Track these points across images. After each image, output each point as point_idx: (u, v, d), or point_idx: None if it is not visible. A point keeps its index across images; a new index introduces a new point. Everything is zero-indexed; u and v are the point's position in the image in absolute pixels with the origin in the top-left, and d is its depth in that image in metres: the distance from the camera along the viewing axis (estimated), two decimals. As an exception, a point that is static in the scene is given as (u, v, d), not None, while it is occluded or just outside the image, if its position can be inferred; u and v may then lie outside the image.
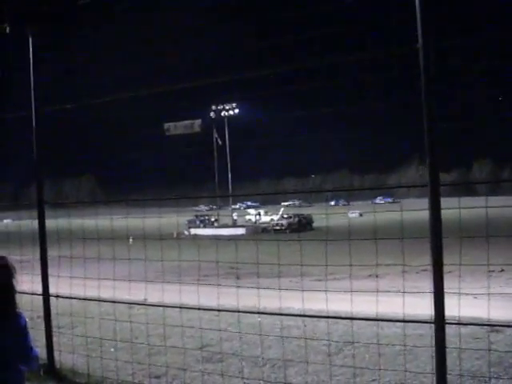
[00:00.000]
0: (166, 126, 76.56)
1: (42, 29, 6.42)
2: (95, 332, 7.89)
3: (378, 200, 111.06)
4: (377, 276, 12.09)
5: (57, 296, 7.01)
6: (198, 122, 75.44)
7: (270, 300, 8.19)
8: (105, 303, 9.45)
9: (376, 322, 8.70)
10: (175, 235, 32.60)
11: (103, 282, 8.25)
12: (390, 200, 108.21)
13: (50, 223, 7.10)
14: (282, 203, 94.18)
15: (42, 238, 6.69)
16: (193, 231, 59.70)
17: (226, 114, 77.93)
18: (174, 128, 75.76)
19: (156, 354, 7.50)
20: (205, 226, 66.73)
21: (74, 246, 8.47)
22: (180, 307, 7.22)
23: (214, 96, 75.86)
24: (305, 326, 9.49)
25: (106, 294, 9.03)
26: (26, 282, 8.15)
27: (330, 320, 9.43)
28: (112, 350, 7.87)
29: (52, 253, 7.24)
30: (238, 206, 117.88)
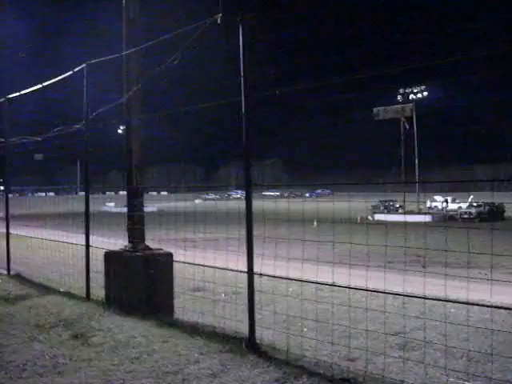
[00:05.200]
0: (375, 110, 76.44)
1: (253, 17, 6.70)
2: (287, 311, 8.13)
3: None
4: None
5: (260, 274, 7.28)
6: (409, 106, 74.41)
7: (458, 291, 7.93)
8: (293, 283, 9.70)
9: None
10: (359, 220, 32.57)
11: (284, 263, 8.44)
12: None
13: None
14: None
15: (249, 218, 6.99)
16: (377, 217, 59.25)
17: (414, 97, 75.98)
18: (384, 113, 75.41)
19: (349, 337, 7.55)
20: (389, 212, 65.79)
21: (259, 227, 8.74)
22: (386, 292, 7.17)
23: (401, 79, 74.41)
24: (503, 320, 9.11)
25: (291, 274, 9.25)
26: (232, 261, 8.67)
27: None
28: (305, 329, 8.07)
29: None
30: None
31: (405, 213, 61.57)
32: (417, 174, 74.19)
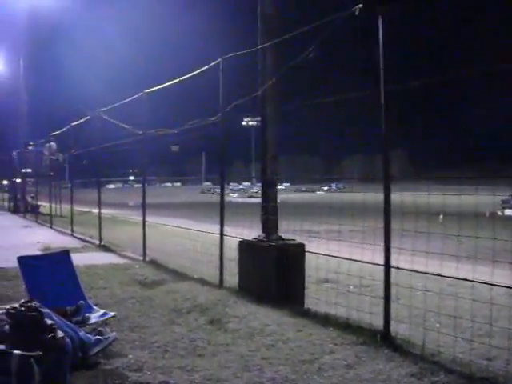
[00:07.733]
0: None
1: (392, 8, 6.65)
2: (421, 305, 7.98)
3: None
4: None
5: (397, 267, 7.23)
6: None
7: None
8: (426, 278, 9.47)
9: None
10: (487, 215, 31.31)
11: (415, 258, 8.25)
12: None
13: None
14: None
15: (387, 210, 6.97)
16: (507, 212, 56.60)
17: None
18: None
19: (484, 336, 7.30)
20: (519, 207, 62.56)
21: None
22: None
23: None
24: None
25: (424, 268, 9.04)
26: (357, 253, 8.66)
27: None
28: (437, 325, 7.90)
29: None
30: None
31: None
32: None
